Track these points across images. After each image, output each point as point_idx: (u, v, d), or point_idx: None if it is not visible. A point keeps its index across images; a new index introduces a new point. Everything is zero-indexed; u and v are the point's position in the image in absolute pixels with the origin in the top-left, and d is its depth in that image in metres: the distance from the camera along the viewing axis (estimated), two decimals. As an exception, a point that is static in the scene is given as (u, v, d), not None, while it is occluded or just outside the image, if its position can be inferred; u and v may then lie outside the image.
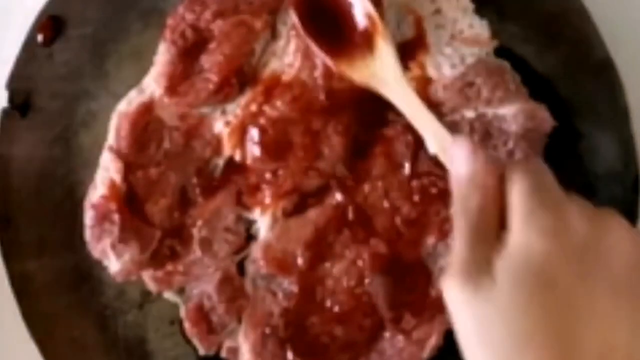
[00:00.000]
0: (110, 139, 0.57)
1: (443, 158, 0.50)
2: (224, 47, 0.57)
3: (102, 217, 0.56)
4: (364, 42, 0.54)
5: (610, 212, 0.45)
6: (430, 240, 0.56)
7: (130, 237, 0.55)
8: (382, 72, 0.53)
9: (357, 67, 0.54)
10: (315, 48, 0.54)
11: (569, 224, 0.43)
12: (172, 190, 0.57)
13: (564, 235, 0.43)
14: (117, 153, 0.56)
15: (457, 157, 0.47)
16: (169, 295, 0.58)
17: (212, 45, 0.57)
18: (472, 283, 0.42)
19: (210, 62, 0.57)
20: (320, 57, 0.55)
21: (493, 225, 0.44)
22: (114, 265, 0.56)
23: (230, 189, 0.57)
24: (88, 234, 0.57)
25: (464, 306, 0.43)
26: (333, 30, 0.55)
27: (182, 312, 0.57)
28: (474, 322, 0.43)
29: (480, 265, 0.43)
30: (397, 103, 0.53)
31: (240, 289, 0.57)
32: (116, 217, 0.56)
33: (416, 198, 0.56)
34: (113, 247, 0.56)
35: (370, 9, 0.54)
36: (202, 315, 0.56)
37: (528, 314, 0.41)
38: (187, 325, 0.57)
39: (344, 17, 0.55)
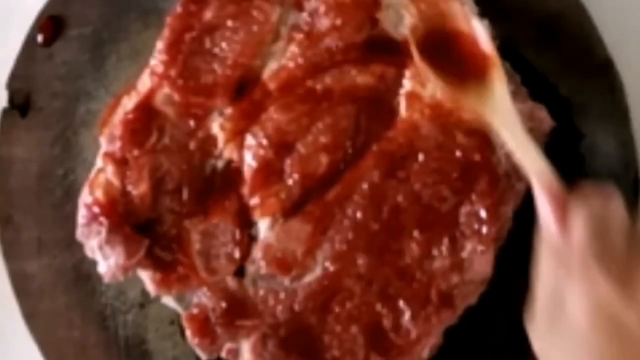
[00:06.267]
0: (105, 145, 0.57)
1: (541, 195, 0.50)
2: (239, 34, 0.57)
3: (92, 218, 0.56)
4: (479, 73, 0.55)
5: None
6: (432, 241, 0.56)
7: (117, 241, 0.55)
8: (494, 103, 0.54)
9: (470, 95, 0.55)
10: (432, 76, 0.55)
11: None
12: (164, 182, 0.57)
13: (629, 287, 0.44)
14: (112, 155, 0.56)
15: (545, 217, 0.49)
16: (167, 300, 0.57)
17: (225, 33, 0.57)
18: (548, 318, 0.47)
19: (223, 51, 0.57)
20: (438, 85, 0.56)
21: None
22: (101, 265, 0.56)
23: (230, 197, 0.57)
24: (79, 232, 0.56)
25: (542, 337, 0.47)
26: (449, 60, 0.56)
27: (183, 320, 0.57)
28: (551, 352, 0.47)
29: (556, 304, 0.46)
30: (505, 134, 0.53)
31: (242, 300, 0.56)
32: (104, 219, 0.55)
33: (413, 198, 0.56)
34: (100, 248, 0.55)
35: (489, 44, 0.55)
36: (205, 326, 0.56)
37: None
38: (188, 334, 0.56)
39: (461, 49, 0.56)
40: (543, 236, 0.49)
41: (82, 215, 0.56)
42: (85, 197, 0.56)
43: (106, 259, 0.55)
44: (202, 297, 0.56)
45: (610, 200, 0.48)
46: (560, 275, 0.46)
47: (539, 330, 0.47)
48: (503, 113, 0.53)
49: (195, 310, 0.56)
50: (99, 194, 0.56)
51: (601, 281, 0.44)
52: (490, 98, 0.54)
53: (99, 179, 0.56)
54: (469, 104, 0.55)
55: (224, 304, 0.56)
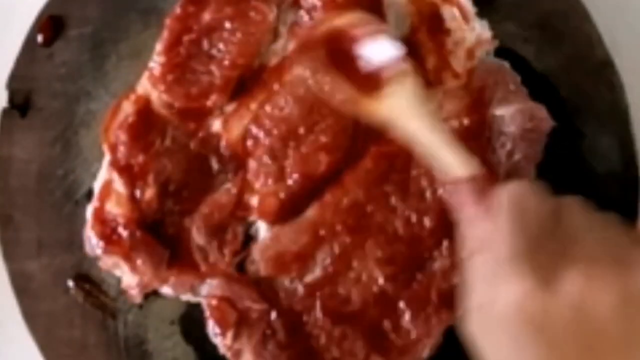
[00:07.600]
0: (108, 154, 0.57)
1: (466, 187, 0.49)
2: (236, 35, 0.57)
3: (111, 232, 0.56)
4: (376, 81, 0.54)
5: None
6: (431, 240, 0.56)
7: (141, 252, 0.55)
8: (405, 103, 0.53)
9: (375, 100, 0.53)
10: (339, 84, 0.54)
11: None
12: (167, 184, 0.57)
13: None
14: (117, 164, 0.56)
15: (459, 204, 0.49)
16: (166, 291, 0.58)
17: (223, 35, 0.57)
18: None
19: (221, 52, 0.57)
20: (345, 93, 0.54)
21: None
22: (128, 278, 0.56)
23: (229, 191, 0.57)
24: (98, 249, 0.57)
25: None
26: (350, 65, 0.54)
27: (207, 312, 0.56)
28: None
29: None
30: (422, 132, 0.52)
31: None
32: (125, 233, 0.55)
33: (414, 200, 0.56)
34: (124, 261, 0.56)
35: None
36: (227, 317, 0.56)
37: None
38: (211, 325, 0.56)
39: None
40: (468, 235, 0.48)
41: (97, 232, 0.56)
42: (95, 208, 0.56)
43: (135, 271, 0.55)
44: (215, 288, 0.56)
45: (530, 185, 0.48)
46: (489, 268, 0.45)
47: (474, 327, 0.46)
48: (415, 111, 0.52)
49: (214, 301, 0.56)
50: (111, 206, 0.56)
51: (526, 274, 0.43)
52: (399, 99, 0.53)
53: (109, 191, 0.56)
54: (376, 111, 0.53)
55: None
